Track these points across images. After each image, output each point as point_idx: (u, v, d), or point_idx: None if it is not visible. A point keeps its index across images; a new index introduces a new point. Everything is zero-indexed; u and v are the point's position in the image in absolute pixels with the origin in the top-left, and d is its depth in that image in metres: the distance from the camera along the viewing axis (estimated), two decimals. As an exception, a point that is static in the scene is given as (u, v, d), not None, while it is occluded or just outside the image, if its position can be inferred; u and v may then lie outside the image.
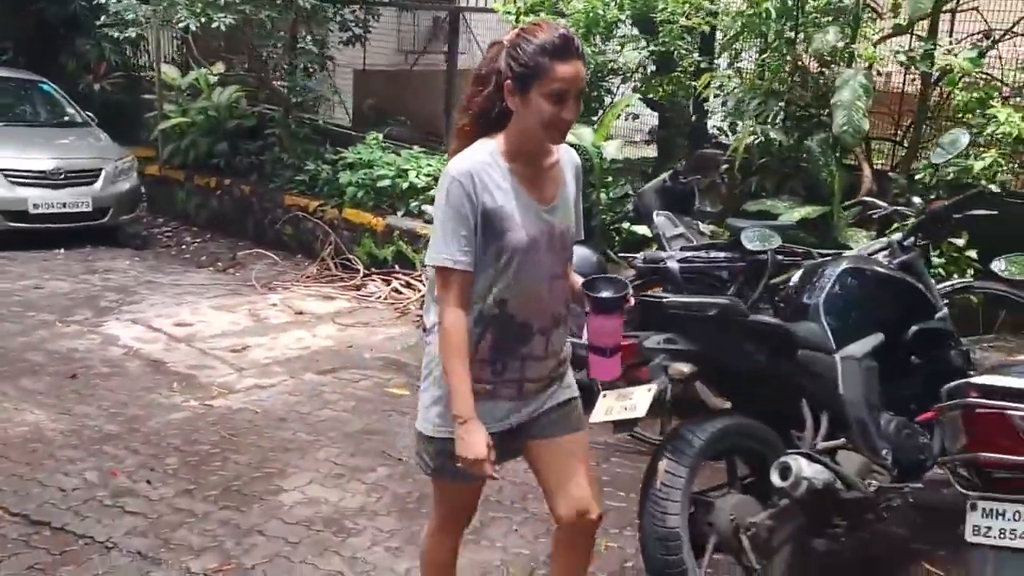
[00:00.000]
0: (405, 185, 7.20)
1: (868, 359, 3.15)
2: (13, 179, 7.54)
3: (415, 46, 12.45)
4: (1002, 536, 2.53)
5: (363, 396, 4.96)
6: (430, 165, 7.23)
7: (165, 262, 7.88)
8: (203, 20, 7.32)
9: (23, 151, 7.84)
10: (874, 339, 3.20)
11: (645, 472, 2.87)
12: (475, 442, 2.14)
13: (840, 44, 4.69)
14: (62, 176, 7.76)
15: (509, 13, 6.30)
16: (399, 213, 7.27)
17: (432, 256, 2.19)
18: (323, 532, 3.52)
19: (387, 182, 7.28)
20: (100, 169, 8.05)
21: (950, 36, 5.14)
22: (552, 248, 2.27)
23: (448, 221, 2.16)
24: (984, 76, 4.90)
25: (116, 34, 8.02)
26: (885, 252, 3.68)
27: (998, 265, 3.74)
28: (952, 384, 2.65)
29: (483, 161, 2.18)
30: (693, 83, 5.65)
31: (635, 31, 6.60)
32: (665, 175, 4.82)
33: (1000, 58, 5.18)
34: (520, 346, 2.28)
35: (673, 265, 4.14)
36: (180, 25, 7.67)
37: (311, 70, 10.23)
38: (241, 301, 6.59)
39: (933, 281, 3.68)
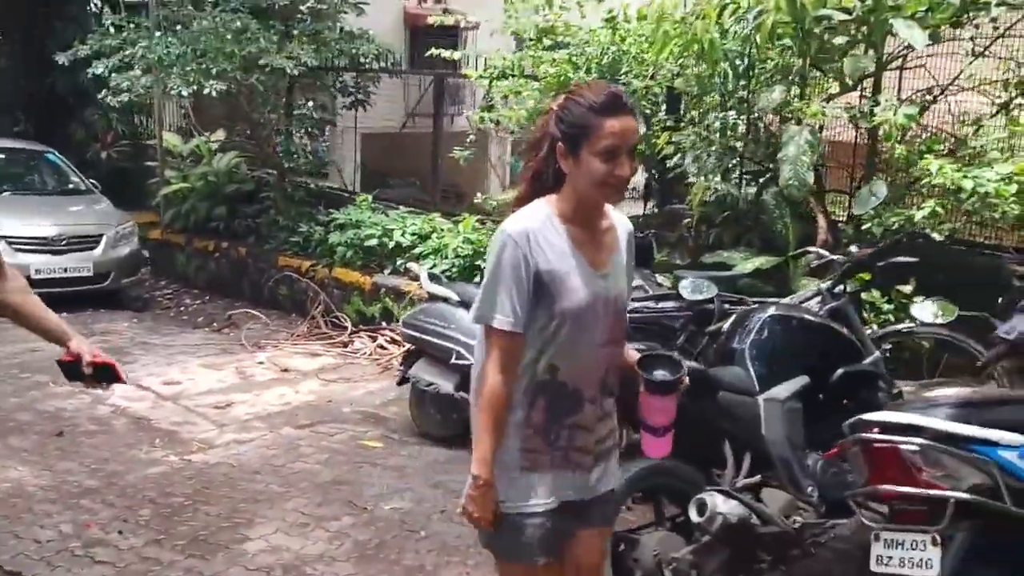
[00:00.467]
0: (391, 244, 7.47)
1: (792, 401, 3.32)
2: (16, 246, 7.88)
3: (423, 109, 12.90)
4: (902, 565, 2.68)
5: (337, 448, 5.16)
6: (415, 224, 7.51)
7: (163, 323, 8.18)
8: (195, 87, 7.70)
9: (26, 219, 8.23)
10: (799, 382, 3.37)
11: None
12: (485, 503, 2.17)
13: (793, 102, 4.92)
14: (63, 242, 8.13)
15: (483, 78, 6.61)
16: (386, 271, 7.52)
17: (479, 315, 2.18)
18: (281, 577, 3.68)
19: (374, 241, 7.56)
20: (101, 235, 8.41)
21: (898, 92, 5.36)
22: (606, 313, 2.23)
23: (500, 280, 2.13)
24: (937, 130, 5.12)
25: (113, 100, 8.41)
26: (817, 299, 3.88)
27: (921, 310, 3.92)
28: (851, 420, 2.83)
29: (539, 220, 2.17)
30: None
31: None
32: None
33: (951, 113, 5.39)
34: (570, 415, 2.23)
35: (623, 316, 4.33)
36: (173, 92, 8.05)
37: (313, 134, 10.70)
38: (230, 360, 6.84)
39: (863, 326, 3.86)
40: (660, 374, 2.25)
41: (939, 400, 2.83)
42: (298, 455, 5.05)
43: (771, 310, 3.56)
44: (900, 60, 5.33)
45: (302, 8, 8.95)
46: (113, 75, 8.50)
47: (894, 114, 4.52)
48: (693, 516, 2.96)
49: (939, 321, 3.91)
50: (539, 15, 6.34)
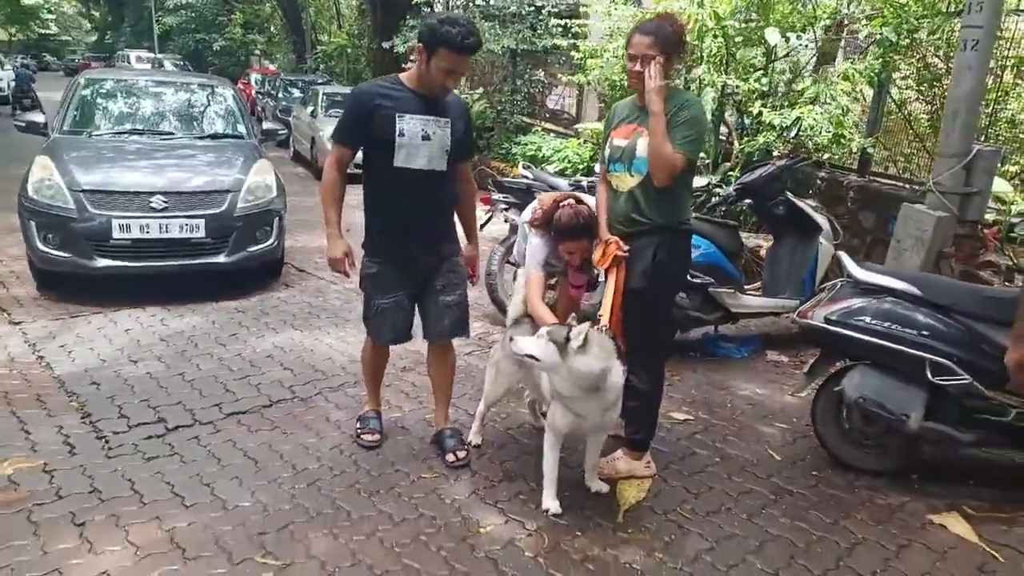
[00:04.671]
0: (540, 154, 10.28)
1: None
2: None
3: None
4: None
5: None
6: (554, 144, 10.24)
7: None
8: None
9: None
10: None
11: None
12: None
13: (707, 76, 7.02)
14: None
15: (584, 56, 9.07)
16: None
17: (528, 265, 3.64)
18: None
19: (532, 152, 10.41)
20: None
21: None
22: None
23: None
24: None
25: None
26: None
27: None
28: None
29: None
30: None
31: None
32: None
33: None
34: None
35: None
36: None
37: (534, 92, 13.68)
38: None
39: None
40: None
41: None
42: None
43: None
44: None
45: (521, 11, 11.83)
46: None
47: (745, 81, 6.53)
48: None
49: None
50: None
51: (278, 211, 6.29)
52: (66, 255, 5.53)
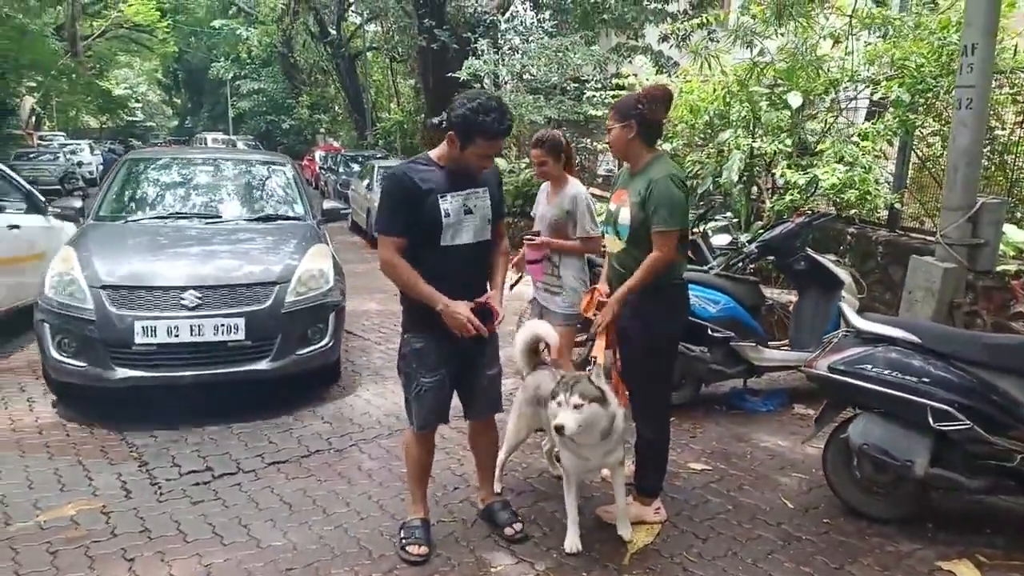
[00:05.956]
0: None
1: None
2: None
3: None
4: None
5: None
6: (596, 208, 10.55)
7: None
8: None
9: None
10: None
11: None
12: None
13: (734, 139, 7.28)
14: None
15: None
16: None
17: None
18: None
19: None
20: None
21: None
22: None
23: None
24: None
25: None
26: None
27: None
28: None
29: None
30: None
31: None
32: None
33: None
34: None
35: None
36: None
37: (582, 160, 14.15)
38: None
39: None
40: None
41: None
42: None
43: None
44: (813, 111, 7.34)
45: (564, 85, 12.44)
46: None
47: (770, 144, 6.77)
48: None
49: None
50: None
51: (335, 304, 5.28)
52: (81, 364, 4.71)
